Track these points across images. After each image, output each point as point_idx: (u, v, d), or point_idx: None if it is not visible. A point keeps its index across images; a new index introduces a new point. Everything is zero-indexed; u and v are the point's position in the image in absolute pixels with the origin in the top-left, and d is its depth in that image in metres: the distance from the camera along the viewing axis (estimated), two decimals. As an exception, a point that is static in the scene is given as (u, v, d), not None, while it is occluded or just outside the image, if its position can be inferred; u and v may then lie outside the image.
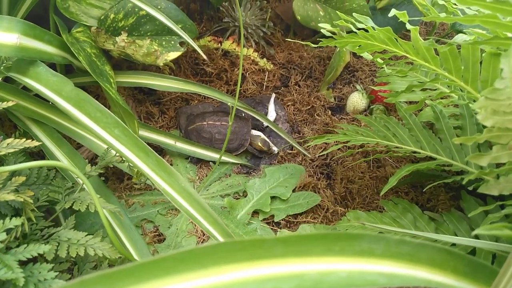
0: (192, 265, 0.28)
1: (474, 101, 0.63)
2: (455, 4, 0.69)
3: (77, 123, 0.58)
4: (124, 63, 0.99)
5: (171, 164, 0.91)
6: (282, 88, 1.12)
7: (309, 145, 0.96)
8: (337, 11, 1.08)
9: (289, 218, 0.81)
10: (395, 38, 0.58)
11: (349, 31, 0.66)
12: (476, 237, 0.60)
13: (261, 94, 1.09)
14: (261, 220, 0.80)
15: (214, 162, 0.93)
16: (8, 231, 0.45)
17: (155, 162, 0.52)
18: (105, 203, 0.54)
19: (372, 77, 1.12)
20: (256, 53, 1.03)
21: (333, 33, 0.68)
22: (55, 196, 0.56)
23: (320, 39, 0.72)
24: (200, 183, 0.88)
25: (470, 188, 0.59)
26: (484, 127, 0.46)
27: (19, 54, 0.62)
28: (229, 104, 0.95)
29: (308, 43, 0.74)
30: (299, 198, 0.81)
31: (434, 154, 0.67)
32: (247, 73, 1.12)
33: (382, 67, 0.83)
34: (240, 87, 1.11)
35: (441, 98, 0.71)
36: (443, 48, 0.54)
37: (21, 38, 0.62)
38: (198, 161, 0.93)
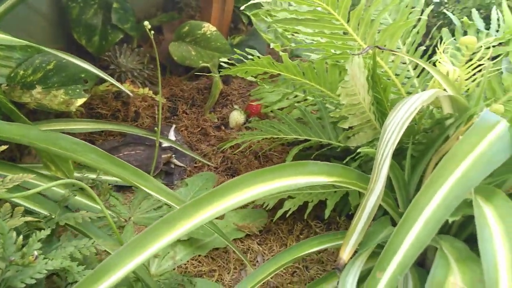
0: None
1: (327, 97, 0.96)
2: (295, 33, 1.03)
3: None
4: (30, 114, 1.05)
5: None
6: (173, 117, 1.32)
7: (209, 157, 1.18)
8: (206, 50, 1.35)
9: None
10: (273, 62, 0.87)
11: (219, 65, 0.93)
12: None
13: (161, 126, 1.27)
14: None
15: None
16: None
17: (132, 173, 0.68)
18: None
19: (242, 98, 1.42)
20: (151, 91, 1.21)
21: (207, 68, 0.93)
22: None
23: (198, 73, 0.97)
24: (129, 205, 1.01)
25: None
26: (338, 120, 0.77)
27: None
28: (140, 134, 1.10)
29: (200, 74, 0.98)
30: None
31: (308, 137, 0.98)
32: (140, 109, 1.28)
33: (257, 88, 1.13)
34: (136, 122, 1.26)
35: (304, 100, 1.03)
36: (304, 65, 0.85)
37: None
38: (120, 188, 1.06)
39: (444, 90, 0.72)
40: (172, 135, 1.24)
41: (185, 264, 0.87)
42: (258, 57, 0.86)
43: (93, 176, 0.92)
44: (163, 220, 0.52)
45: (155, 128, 1.23)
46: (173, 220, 0.54)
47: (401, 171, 0.74)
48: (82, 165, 1.03)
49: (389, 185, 0.76)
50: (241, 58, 0.88)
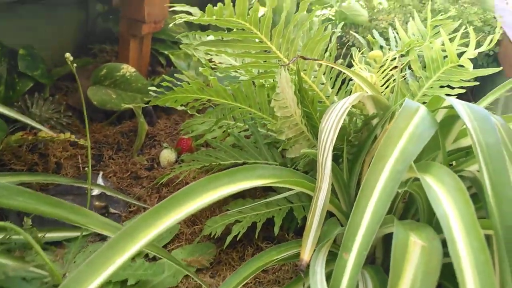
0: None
1: (258, 119, 0.99)
2: (219, 63, 1.06)
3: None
4: None
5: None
6: (99, 164, 1.24)
7: (144, 200, 1.12)
8: (127, 92, 1.32)
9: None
10: (203, 88, 0.88)
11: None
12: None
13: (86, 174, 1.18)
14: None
15: (67, 240, 0.96)
16: None
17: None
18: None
19: (170, 137, 1.39)
20: (73, 136, 1.14)
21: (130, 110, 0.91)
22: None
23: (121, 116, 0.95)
24: (63, 259, 0.91)
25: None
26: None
27: None
28: (66, 184, 1.01)
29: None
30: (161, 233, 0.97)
31: (246, 160, 0.99)
32: (62, 160, 1.19)
33: (187, 121, 1.12)
34: (59, 173, 1.16)
35: (236, 127, 1.05)
36: (233, 87, 0.88)
37: None
38: (49, 245, 0.94)
39: (366, 92, 0.79)
40: (100, 183, 1.16)
41: (134, 312, 0.79)
42: (188, 82, 0.86)
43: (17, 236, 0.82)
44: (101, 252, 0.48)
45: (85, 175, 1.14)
46: (116, 245, 0.49)
47: (341, 172, 0.77)
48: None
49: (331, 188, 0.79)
50: (170, 85, 0.88)
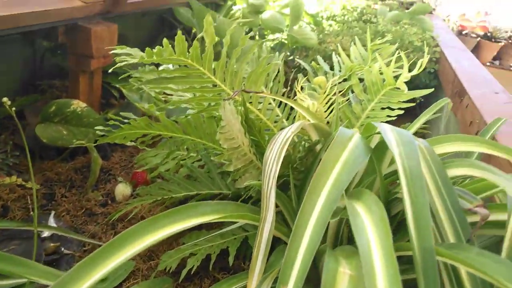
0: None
1: (211, 149, 0.99)
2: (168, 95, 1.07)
3: None
4: None
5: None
6: (50, 204, 1.20)
7: (99, 237, 1.10)
8: (78, 127, 1.29)
9: (116, 289, 0.93)
10: (150, 123, 0.88)
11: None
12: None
13: (38, 215, 1.14)
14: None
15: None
16: None
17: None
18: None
19: (125, 171, 1.38)
20: (20, 179, 1.10)
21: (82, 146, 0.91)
22: None
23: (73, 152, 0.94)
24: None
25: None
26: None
27: None
28: (11, 228, 0.98)
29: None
30: (117, 271, 0.95)
31: (199, 191, 0.99)
32: (9, 202, 1.15)
33: (140, 154, 1.11)
34: (6, 216, 1.12)
35: (189, 157, 1.05)
36: (182, 120, 0.88)
37: None
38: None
39: (308, 120, 0.82)
40: (52, 223, 1.12)
41: None
42: (135, 119, 0.87)
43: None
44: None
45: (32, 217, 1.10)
46: None
47: (290, 200, 0.79)
48: None
49: (281, 216, 0.81)
50: (118, 124, 0.87)
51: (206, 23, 0.67)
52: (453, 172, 0.60)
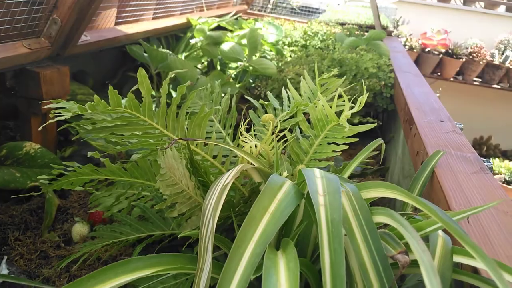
0: None
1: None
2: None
3: None
4: None
5: None
6: (3, 248, 1.18)
7: (53, 281, 1.08)
8: (32, 168, 1.28)
9: None
10: (96, 169, 0.88)
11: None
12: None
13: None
14: None
15: None
16: None
17: None
18: None
19: (84, 209, 1.36)
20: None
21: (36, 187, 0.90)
22: None
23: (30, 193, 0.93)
24: None
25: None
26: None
27: None
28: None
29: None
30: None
31: (151, 232, 0.99)
32: (-41, 250, 1.12)
33: (93, 195, 1.11)
34: (-44, 265, 1.09)
35: (142, 197, 1.05)
36: (127, 165, 0.89)
37: None
38: None
39: (251, 163, 0.84)
40: (4, 269, 1.10)
41: None
42: (79, 167, 0.86)
43: None
44: None
45: (-21, 266, 1.08)
46: None
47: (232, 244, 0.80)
48: None
49: (224, 258, 0.81)
50: (63, 172, 0.87)
51: (139, 77, 0.69)
52: (377, 219, 0.62)
